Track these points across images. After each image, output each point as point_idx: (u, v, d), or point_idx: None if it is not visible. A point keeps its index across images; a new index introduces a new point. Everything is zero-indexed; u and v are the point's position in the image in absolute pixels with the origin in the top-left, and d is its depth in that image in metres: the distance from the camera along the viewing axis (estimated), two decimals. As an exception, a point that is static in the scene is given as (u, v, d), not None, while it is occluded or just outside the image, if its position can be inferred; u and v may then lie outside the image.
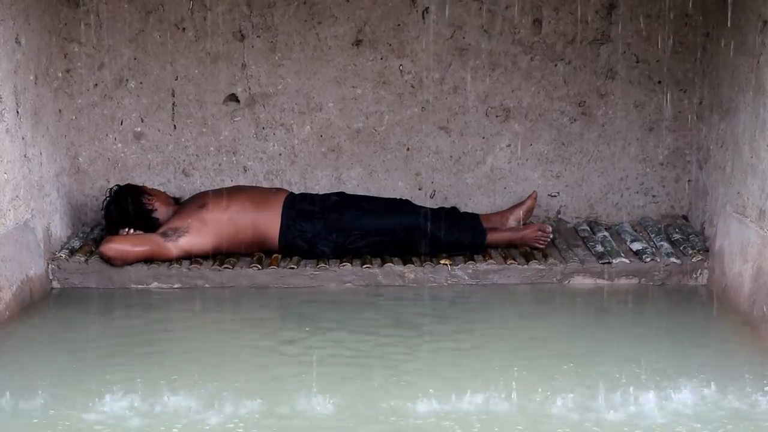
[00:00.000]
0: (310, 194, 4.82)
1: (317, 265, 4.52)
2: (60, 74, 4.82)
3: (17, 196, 4.16)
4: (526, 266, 4.51)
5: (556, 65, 4.94)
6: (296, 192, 4.86)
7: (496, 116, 5.00)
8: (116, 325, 4.10)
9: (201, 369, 3.51)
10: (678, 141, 5.00)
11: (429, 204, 4.99)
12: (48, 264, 4.45)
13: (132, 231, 4.59)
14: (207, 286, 4.46)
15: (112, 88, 4.92)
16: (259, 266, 4.50)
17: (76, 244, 4.70)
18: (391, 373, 3.49)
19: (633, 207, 5.06)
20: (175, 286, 4.45)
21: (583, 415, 3.11)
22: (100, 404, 3.16)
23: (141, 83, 4.93)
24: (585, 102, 4.98)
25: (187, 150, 5.01)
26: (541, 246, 4.67)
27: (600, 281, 4.51)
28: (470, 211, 4.93)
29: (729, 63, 4.43)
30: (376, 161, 5.04)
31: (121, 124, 4.97)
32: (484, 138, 5.01)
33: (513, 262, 4.55)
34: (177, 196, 4.93)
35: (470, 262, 4.53)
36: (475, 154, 5.03)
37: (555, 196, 5.07)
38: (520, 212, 4.83)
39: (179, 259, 4.52)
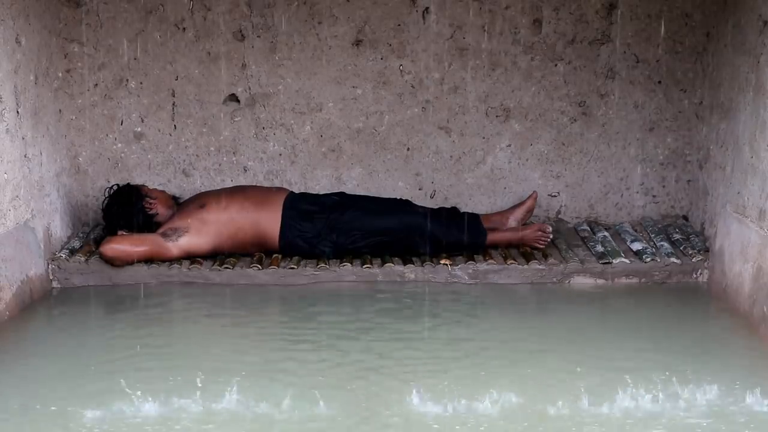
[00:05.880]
0: (311, 194, 4.82)
1: (317, 265, 4.52)
2: (60, 74, 4.82)
3: (17, 196, 4.16)
4: (526, 266, 4.51)
5: (556, 65, 4.94)
6: (296, 192, 4.86)
7: (496, 116, 5.00)
8: (116, 325, 4.10)
9: (201, 368, 3.50)
10: (678, 141, 5.00)
11: (429, 204, 4.99)
12: (48, 264, 4.45)
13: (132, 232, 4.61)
14: (207, 286, 4.45)
15: (112, 88, 4.92)
16: (259, 266, 4.50)
17: (76, 244, 4.70)
18: (391, 373, 3.49)
19: (633, 207, 5.06)
20: (176, 285, 4.46)
21: (581, 416, 3.12)
22: (100, 403, 3.16)
23: (141, 83, 4.93)
24: (585, 102, 4.98)
25: (187, 150, 5.01)
26: (542, 246, 4.67)
27: (600, 281, 4.51)
28: (470, 211, 4.93)
29: (729, 63, 4.43)
30: (376, 161, 5.04)
31: (121, 124, 4.97)
32: (484, 138, 5.02)
33: (513, 262, 4.55)
34: (177, 195, 4.93)
35: (470, 262, 4.54)
36: (475, 154, 5.03)
37: (555, 196, 5.07)
38: (520, 212, 4.83)
39: (179, 259, 4.53)
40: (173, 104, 4.97)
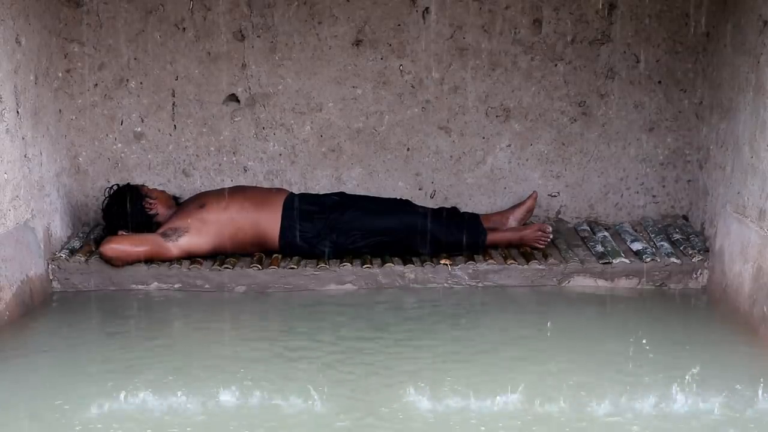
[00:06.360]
0: (311, 194, 4.82)
1: (317, 265, 4.52)
2: (60, 74, 4.82)
3: (17, 196, 4.16)
4: (526, 266, 4.51)
5: (556, 65, 4.94)
6: (296, 192, 4.86)
7: (496, 116, 5.00)
8: (116, 325, 4.10)
9: (201, 367, 3.51)
10: (678, 141, 5.00)
11: (429, 204, 4.99)
12: (48, 264, 4.45)
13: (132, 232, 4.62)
14: (207, 286, 4.46)
15: (112, 88, 4.92)
16: (259, 266, 4.50)
17: (77, 244, 4.70)
18: (391, 372, 3.50)
19: (633, 207, 5.06)
20: (176, 286, 4.45)
21: (581, 416, 3.12)
22: (100, 404, 3.16)
23: (141, 83, 4.93)
24: (585, 102, 4.98)
25: (187, 150, 5.01)
26: (541, 246, 4.67)
27: (600, 281, 4.51)
28: (470, 211, 4.93)
29: (729, 63, 4.43)
30: (376, 161, 5.04)
31: (121, 124, 4.97)
32: (484, 138, 5.02)
33: (513, 262, 4.55)
34: (177, 195, 4.93)
35: (470, 262, 4.54)
36: (475, 154, 5.03)
37: (555, 196, 5.07)
38: (520, 212, 4.83)
39: (179, 259, 4.53)
40: (173, 104, 4.97)
